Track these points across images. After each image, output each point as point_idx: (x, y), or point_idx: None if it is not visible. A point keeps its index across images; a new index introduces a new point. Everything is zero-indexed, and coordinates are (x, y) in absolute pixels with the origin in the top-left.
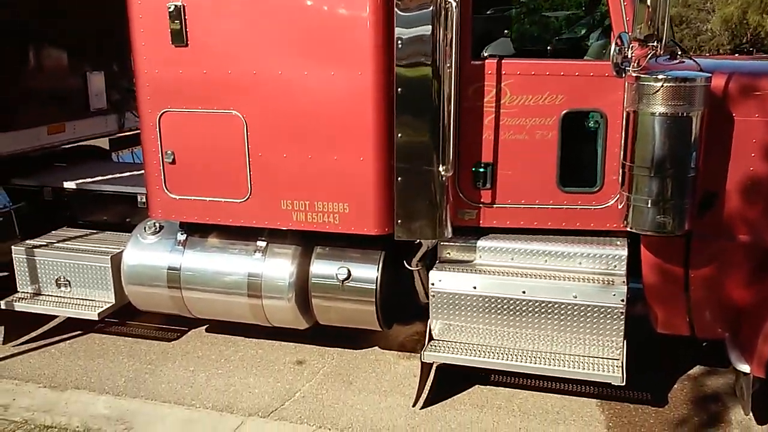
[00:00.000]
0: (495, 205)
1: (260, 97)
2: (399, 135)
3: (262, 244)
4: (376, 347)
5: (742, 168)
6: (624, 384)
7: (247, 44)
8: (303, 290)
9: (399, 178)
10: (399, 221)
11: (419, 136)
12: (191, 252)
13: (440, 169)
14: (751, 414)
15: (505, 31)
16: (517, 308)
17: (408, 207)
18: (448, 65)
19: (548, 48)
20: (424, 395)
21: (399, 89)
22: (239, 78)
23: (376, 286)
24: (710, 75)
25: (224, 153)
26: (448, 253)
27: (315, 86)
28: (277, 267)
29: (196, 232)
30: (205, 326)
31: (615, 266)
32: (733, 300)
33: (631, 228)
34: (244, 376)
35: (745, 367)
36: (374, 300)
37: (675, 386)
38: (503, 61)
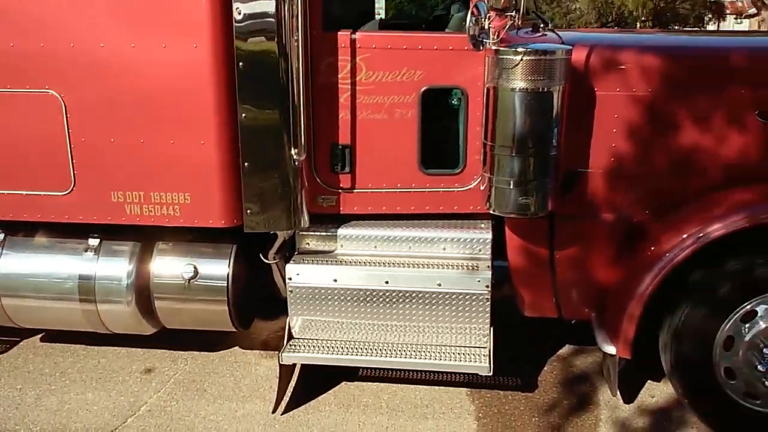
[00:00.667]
0: (355, 190)
1: (80, 74)
2: (243, 115)
3: (94, 242)
4: (236, 347)
5: (604, 145)
6: (491, 373)
7: (62, 11)
8: (144, 292)
9: (246, 164)
10: (248, 211)
11: (266, 116)
12: (10, 254)
13: (292, 152)
14: (618, 394)
15: (377, 9)
16: (381, 300)
17: (257, 195)
18: (296, 37)
19: (423, 26)
20: (286, 399)
21: (240, 64)
22: (54, 51)
23: (228, 283)
24: (571, 48)
25: (41, 139)
26: (307, 244)
27: (144, 60)
28: (113, 267)
29: (18, 230)
30: (40, 335)
31: (480, 250)
32: (599, 280)
33: (493, 210)
34: (82, 392)
35: (610, 348)
36: (226, 299)
37: (545, 369)
38: (357, 33)
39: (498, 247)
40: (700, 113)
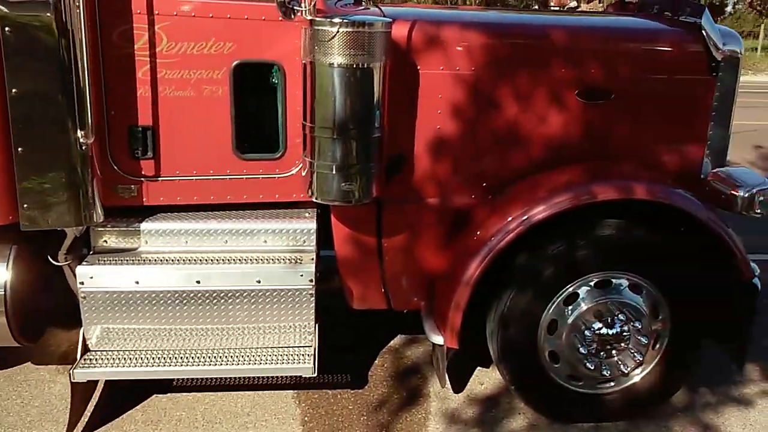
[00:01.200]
0: (161, 178)
1: None
2: (13, 90)
3: None
4: (28, 363)
5: (429, 126)
6: (316, 374)
7: None
8: None
9: (19, 149)
10: (24, 205)
11: (41, 91)
12: None
13: (78, 134)
14: (448, 384)
15: None
16: (193, 302)
17: (36, 187)
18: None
19: None
20: (84, 420)
21: (6, 29)
22: None
23: (5, 291)
24: (391, 21)
25: None
26: (105, 242)
27: None
28: None
29: None
30: None
31: (304, 242)
32: (428, 268)
33: (316, 198)
34: None
35: (438, 338)
36: (3, 310)
37: (375, 362)
38: None
39: (326, 238)
40: (523, 93)
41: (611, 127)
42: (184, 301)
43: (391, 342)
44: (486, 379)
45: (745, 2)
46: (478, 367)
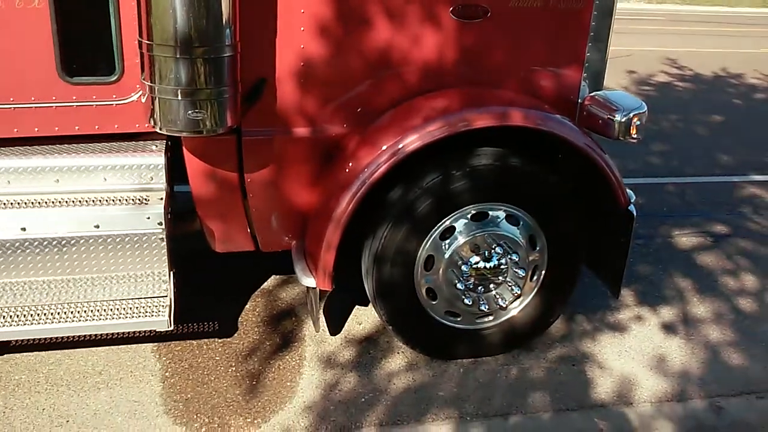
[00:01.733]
0: None
1: None
2: None
3: None
4: None
5: (292, 46)
6: (172, 327)
7: None
8: None
9: None
10: None
11: None
12: None
13: None
14: (324, 327)
15: None
16: (20, 252)
17: None
18: None
19: None
20: None
21: None
22: None
23: None
24: None
25: None
26: None
27: None
28: None
29: None
30: None
31: (151, 179)
32: (297, 204)
33: (160, 129)
34: None
35: (310, 281)
36: None
37: (246, 307)
38: None
39: (179, 173)
40: (394, 9)
41: (488, 49)
42: (9, 251)
43: (264, 284)
44: (364, 319)
45: None
46: (357, 306)
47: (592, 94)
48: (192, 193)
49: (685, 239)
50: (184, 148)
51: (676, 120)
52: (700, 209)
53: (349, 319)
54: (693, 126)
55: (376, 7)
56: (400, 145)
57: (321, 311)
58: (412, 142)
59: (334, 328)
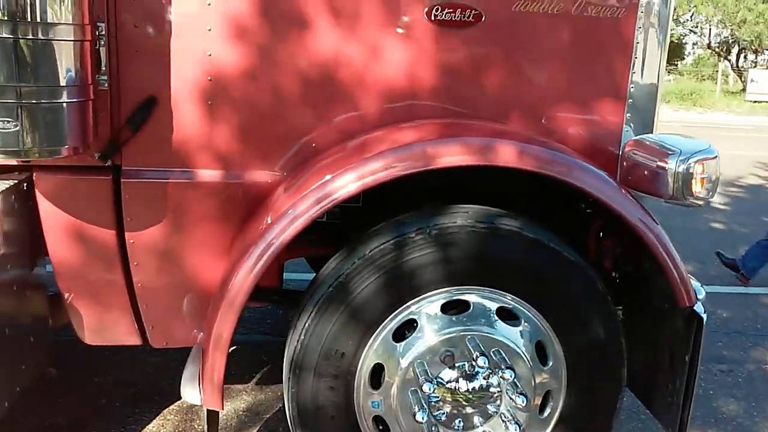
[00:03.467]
0: None
1: None
2: None
3: None
4: None
5: (194, 52)
6: None
7: None
8: None
9: None
10: None
11: None
12: None
13: None
14: None
15: None
16: None
17: None
18: None
19: None
20: None
21: None
22: None
23: None
24: None
25: None
26: None
27: None
28: None
29: None
30: None
31: None
32: (202, 280)
33: None
34: None
35: (193, 396)
36: None
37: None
38: None
39: None
40: (344, 9)
41: (479, 69)
42: None
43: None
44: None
45: (703, 44)
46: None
47: (636, 137)
48: (48, 256)
49: None
50: (35, 190)
51: None
52: None
53: None
54: None
55: (320, 2)
56: (327, 189)
57: None
58: (344, 185)
59: None
